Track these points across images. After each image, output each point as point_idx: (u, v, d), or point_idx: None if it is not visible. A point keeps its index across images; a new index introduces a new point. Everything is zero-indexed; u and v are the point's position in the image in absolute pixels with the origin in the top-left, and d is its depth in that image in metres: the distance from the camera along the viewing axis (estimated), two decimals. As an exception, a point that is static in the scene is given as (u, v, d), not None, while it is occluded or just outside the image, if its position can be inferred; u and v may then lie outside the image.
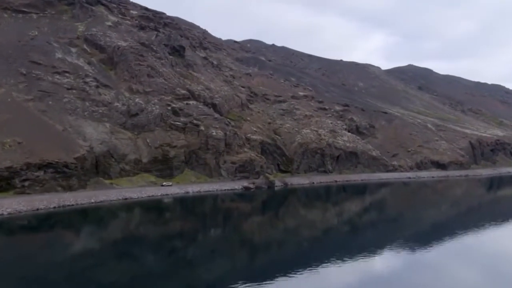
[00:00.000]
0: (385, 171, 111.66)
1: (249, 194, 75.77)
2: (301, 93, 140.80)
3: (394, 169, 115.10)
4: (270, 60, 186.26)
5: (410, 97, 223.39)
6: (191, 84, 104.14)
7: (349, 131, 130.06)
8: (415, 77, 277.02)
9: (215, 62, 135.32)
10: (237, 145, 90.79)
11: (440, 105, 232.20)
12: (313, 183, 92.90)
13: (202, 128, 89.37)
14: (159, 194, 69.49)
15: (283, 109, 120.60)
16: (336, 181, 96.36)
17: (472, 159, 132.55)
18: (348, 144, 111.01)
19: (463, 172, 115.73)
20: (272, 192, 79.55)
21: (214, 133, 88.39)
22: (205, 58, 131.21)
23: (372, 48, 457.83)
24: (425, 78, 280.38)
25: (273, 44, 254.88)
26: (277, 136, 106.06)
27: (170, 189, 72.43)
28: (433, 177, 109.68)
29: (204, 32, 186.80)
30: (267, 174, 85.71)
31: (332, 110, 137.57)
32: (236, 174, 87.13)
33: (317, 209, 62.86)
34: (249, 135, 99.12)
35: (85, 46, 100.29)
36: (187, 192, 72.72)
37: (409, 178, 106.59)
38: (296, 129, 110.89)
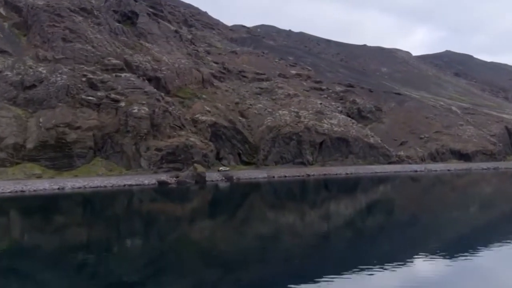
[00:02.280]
0: (387, 163, 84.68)
1: (164, 191, 51.70)
2: (293, 72, 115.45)
3: (401, 161, 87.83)
4: (272, 41, 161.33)
5: (442, 83, 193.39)
6: (133, 54, 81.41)
7: (349, 115, 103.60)
8: (452, 63, 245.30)
9: (189, 36, 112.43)
10: (168, 127, 66.99)
11: (478, 91, 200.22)
12: (273, 177, 67.70)
13: (122, 104, 66.45)
14: (17, 191, 47.10)
15: (261, 88, 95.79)
16: (309, 175, 70.68)
17: (509, 148, 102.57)
18: (336, 129, 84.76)
19: (491, 164, 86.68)
20: (201, 189, 55.12)
21: (135, 110, 65.20)
22: (176, 31, 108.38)
23: (413, 44, 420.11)
24: (464, 64, 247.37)
25: (289, 30, 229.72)
26: (241, 118, 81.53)
27: (36, 184, 49.70)
28: (449, 170, 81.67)
29: (201, 13, 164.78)
30: (196, 165, 61.34)
31: (330, 90, 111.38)
32: (161, 164, 63.49)
33: (266, 214, 37.41)
34: (197, 115, 75.34)
35: (1, 10, 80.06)
36: (61, 188, 49.78)
37: (416, 171, 79.22)
38: (270, 109, 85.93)
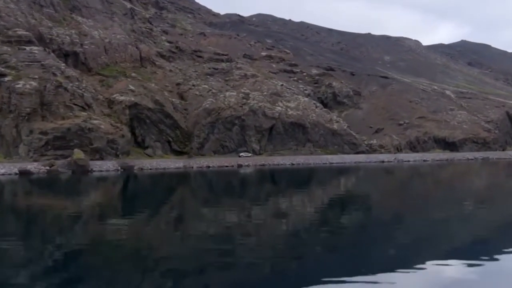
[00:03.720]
0: (354, 153, 69.82)
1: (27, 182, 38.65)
2: (263, 54, 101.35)
3: (372, 150, 72.84)
4: (256, 26, 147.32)
5: (450, 72, 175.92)
6: (52, 27, 69.09)
7: (322, 101, 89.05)
8: (466, 53, 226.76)
9: (147, 16, 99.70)
10: (63, 106, 54.08)
11: (491, 80, 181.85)
12: (192, 167, 53.94)
13: (7, 79, 54.10)
14: None
15: (215, 68, 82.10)
16: (241, 165, 56.45)
17: (510, 136, 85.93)
18: (291, 112, 70.36)
19: (480, 154, 70.62)
20: (76, 180, 41.69)
21: (19, 85, 52.68)
22: (131, 9, 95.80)
23: (438, 40, 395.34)
24: (479, 53, 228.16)
25: (289, 20, 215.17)
26: (174, 100, 68.07)
27: None
28: (425, 160, 66.18)
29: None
30: (77, 151, 48.18)
31: (305, 73, 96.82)
32: (46, 151, 50.64)
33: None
34: (115, 95, 62.39)
35: None
36: None
37: (383, 162, 64.11)
38: (216, 91, 72.23)
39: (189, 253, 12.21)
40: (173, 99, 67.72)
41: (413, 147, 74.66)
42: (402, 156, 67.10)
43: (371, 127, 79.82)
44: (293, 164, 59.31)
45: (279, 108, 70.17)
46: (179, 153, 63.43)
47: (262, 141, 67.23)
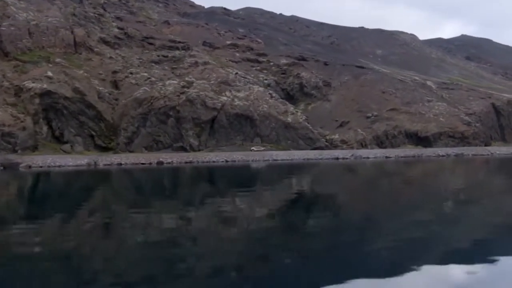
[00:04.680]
0: (311, 148, 60.41)
1: None
2: (228, 42, 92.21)
3: (333, 146, 63.33)
4: (236, 18, 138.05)
5: (446, 66, 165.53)
6: (-30, 8, 60.87)
7: (288, 92, 79.80)
8: (465, 47, 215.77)
9: (101, 1, 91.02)
10: None
11: (488, 74, 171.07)
12: (98, 165, 44.91)
13: None
14: None
15: (165, 56, 73.14)
16: (163, 163, 47.25)
17: (496, 131, 75.83)
18: (237, 103, 61.09)
19: (454, 150, 60.65)
20: None
21: None
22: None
23: (441, 36, 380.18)
24: (479, 48, 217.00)
25: (280, 14, 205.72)
26: (102, 89, 59.16)
27: None
28: (387, 157, 56.47)
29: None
30: None
31: (271, 63, 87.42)
32: None
33: None
34: (25, 82, 53.73)
35: None
36: None
37: (337, 158, 54.54)
38: (155, 79, 63.27)
39: (131, 263, 9.17)
40: (102, 88, 58.85)
41: (380, 143, 64.98)
42: (361, 152, 57.44)
43: (336, 120, 70.28)
44: (227, 161, 50.04)
45: (224, 98, 61.01)
46: (104, 149, 54.64)
47: (202, 136, 58.10)
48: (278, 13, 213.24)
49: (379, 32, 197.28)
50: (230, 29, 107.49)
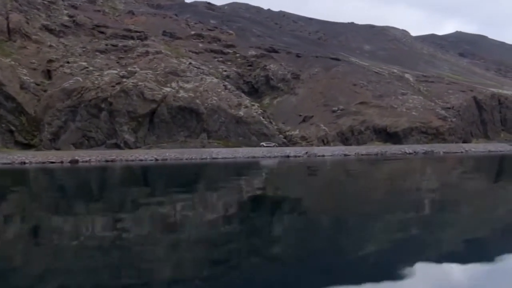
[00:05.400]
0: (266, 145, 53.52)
1: None
2: (192, 32, 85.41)
3: (292, 143, 56.36)
4: (213, 10, 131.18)
5: (436, 61, 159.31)
6: None
7: (253, 85, 73.01)
8: (459, 43, 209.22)
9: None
10: None
11: (481, 70, 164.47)
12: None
13: None
14: None
15: (114, 45, 66.40)
16: (73, 161, 40.22)
17: (478, 127, 68.74)
18: (181, 94, 54.20)
19: (424, 147, 53.51)
20: None
21: None
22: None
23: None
24: (473, 44, 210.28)
25: (268, 9, 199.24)
26: (28, 79, 52.35)
27: None
28: (346, 154, 49.31)
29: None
30: None
31: (238, 54, 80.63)
32: None
33: None
34: None
35: None
36: None
37: (288, 156, 47.51)
38: (93, 68, 56.47)
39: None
40: (27, 78, 52.07)
41: (345, 139, 57.95)
42: (318, 150, 50.40)
43: (300, 115, 63.34)
44: (157, 160, 43.17)
45: (168, 89, 54.11)
46: (26, 146, 47.88)
47: (140, 131, 51.22)
48: (266, 8, 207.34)
49: (369, 27, 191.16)
50: (201, 21, 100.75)
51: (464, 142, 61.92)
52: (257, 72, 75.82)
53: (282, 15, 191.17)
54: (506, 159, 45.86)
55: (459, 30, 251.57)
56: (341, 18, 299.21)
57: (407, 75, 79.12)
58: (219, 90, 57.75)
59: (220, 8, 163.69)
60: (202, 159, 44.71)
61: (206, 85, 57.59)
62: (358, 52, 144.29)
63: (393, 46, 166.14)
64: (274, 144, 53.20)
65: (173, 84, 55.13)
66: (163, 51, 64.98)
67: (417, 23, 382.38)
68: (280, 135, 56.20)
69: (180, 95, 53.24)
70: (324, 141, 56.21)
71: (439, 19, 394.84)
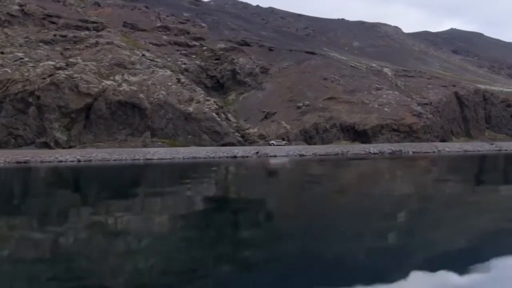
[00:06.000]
0: (219, 144, 47.75)
1: None
2: (158, 24, 79.75)
3: (249, 142, 50.57)
4: (197, 5, 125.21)
5: (428, 58, 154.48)
6: None
7: (218, 80, 67.30)
8: (453, 40, 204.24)
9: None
10: None
11: (473, 67, 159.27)
12: None
13: None
14: None
15: (62, 36, 60.64)
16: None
17: (459, 124, 62.86)
18: (123, 88, 48.46)
19: (392, 147, 47.52)
20: None
21: None
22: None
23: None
24: (468, 41, 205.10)
25: (257, 5, 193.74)
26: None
27: None
28: (302, 155, 43.54)
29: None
30: None
31: (205, 47, 74.88)
32: None
33: None
34: None
35: None
36: None
37: (235, 157, 41.86)
38: (28, 59, 50.70)
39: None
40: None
41: (309, 138, 52.06)
42: (270, 149, 44.54)
43: (263, 111, 57.53)
44: (79, 161, 37.45)
45: (108, 82, 48.32)
46: None
47: (74, 129, 45.46)
48: (255, 4, 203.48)
49: (360, 24, 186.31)
50: (174, 13, 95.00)
51: (443, 141, 56.09)
52: (224, 66, 70.08)
53: (270, 11, 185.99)
54: (482, 160, 40.02)
55: (453, 27, 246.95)
56: (338, 18, 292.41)
57: (386, 70, 73.17)
58: (169, 83, 51.97)
59: (206, 3, 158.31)
60: (134, 160, 38.96)
61: (156, 78, 51.83)
62: (347, 49, 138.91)
63: (383, 42, 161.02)
64: (284, 142, 48.88)
65: (117, 77, 49.39)
66: (115, 42, 59.19)
67: (416, 23, 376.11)
68: (236, 134, 50.34)
69: (121, 89, 47.47)
70: (285, 140, 50.34)
71: (438, 19, 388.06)
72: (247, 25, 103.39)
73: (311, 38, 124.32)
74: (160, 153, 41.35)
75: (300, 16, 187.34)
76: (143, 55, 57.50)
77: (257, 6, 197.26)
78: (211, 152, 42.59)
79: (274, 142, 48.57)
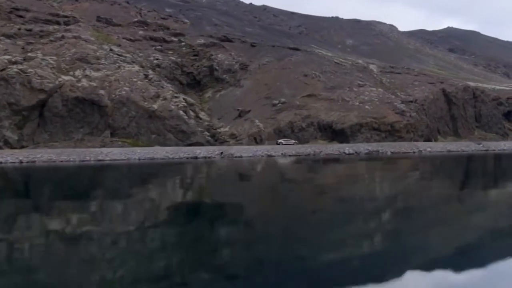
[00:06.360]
0: (186, 144, 44.36)
1: None
2: (135, 20, 76.40)
3: (220, 142, 47.17)
4: (187, 2, 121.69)
5: (422, 56, 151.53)
6: None
7: (194, 76, 63.91)
8: (449, 39, 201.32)
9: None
10: None
11: (469, 66, 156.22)
12: None
13: None
14: None
15: (28, 29, 57.11)
16: None
17: (447, 123, 59.36)
18: (82, 83, 45.04)
19: (370, 146, 44.04)
20: None
21: None
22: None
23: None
24: (464, 40, 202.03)
25: (250, 3, 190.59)
26: None
27: None
28: (271, 155, 40.17)
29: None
30: None
31: (183, 43, 71.51)
32: None
33: None
34: None
35: None
36: None
37: (196, 157, 38.47)
38: (-17, 54, 47.35)
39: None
40: None
41: (283, 137, 48.59)
42: (236, 149, 41.04)
43: (238, 109, 54.09)
44: (22, 163, 34.05)
45: (66, 77, 44.89)
46: None
47: (26, 128, 42.07)
48: (248, 2, 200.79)
49: (355, 22, 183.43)
50: (156, 9, 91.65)
51: (428, 140, 52.63)
52: (202, 62, 66.68)
53: (263, 9, 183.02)
54: (465, 161, 36.53)
55: (450, 25, 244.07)
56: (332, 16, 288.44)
57: (371, 66, 69.66)
58: (135, 79, 48.54)
59: (197, 1, 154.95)
60: (83, 161, 35.52)
61: (120, 74, 48.40)
62: (340, 47, 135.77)
63: (377, 40, 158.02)
64: (293, 141, 46.02)
65: (77, 72, 45.95)
66: (82, 36, 55.78)
67: (416, 23, 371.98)
68: (205, 133, 46.90)
69: (80, 85, 44.04)
70: (257, 139, 46.93)
71: (437, 19, 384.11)
72: (234, 22, 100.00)
73: (303, 36, 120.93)
74: (114, 153, 37.91)
75: (293, 14, 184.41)
76: (111, 49, 54.10)
77: (250, 4, 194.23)
78: (171, 153, 39.15)
79: (282, 141, 45.79)
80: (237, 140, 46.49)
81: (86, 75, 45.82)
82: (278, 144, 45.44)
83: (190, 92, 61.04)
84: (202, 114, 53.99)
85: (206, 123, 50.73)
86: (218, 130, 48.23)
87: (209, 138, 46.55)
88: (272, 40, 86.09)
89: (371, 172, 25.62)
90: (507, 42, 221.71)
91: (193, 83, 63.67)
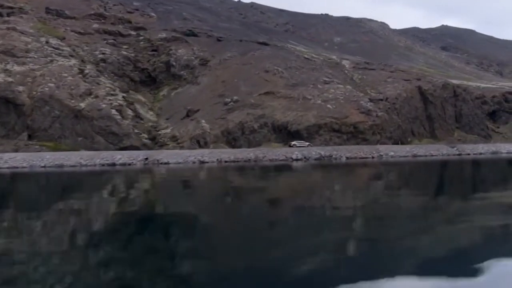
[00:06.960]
0: (117, 148, 38.67)
1: None
2: (91, 12, 70.65)
3: (159, 145, 41.46)
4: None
5: (412, 54, 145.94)
6: None
7: (149, 74, 58.16)
8: (443, 37, 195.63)
9: None
10: None
11: (461, 64, 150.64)
12: None
13: None
14: None
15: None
16: None
17: (423, 124, 53.48)
18: (-3, 79, 39.32)
19: (324, 150, 38.31)
20: None
21: None
22: None
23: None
24: (458, 38, 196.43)
25: (239, 1, 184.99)
26: None
27: None
28: (204, 162, 34.48)
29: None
30: None
31: (142, 37, 65.76)
32: None
33: None
34: None
35: None
36: None
37: (103, 164, 32.87)
38: None
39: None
40: None
41: (232, 140, 42.77)
42: (165, 154, 35.27)
43: (187, 108, 48.32)
44: None
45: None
46: None
47: None
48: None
49: (345, 19, 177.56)
50: (123, 3, 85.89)
51: (400, 143, 46.84)
52: (160, 58, 60.99)
53: (251, 5, 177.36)
54: (429, 168, 30.68)
55: (444, 23, 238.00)
56: (321, 13, 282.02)
57: (344, 62, 63.82)
58: (65, 75, 42.77)
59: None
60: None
61: (49, 69, 42.64)
62: (327, 44, 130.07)
63: (367, 38, 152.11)
64: (307, 143, 41.39)
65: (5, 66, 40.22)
66: (18, 28, 50.08)
67: (415, 23, 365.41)
68: (143, 135, 41.13)
69: (-6, 81, 38.31)
70: (200, 143, 41.13)
71: (436, 19, 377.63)
72: (210, 17, 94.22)
73: (289, 33, 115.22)
74: (16, 159, 32.17)
75: (282, 11, 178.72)
76: (47, 42, 48.34)
77: (239, 1, 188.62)
78: (86, 159, 33.34)
79: (296, 143, 41.34)
80: (178, 143, 40.73)
81: (6, 70, 40.11)
82: (292, 146, 40.27)
83: (143, 90, 55.42)
84: (150, 114, 48.38)
85: (150, 124, 45.00)
86: (159, 132, 42.44)
87: (147, 141, 40.80)
88: (246, 35, 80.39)
89: (298, 188, 19.71)
90: (503, 40, 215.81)
91: (148, 80, 58.03)
